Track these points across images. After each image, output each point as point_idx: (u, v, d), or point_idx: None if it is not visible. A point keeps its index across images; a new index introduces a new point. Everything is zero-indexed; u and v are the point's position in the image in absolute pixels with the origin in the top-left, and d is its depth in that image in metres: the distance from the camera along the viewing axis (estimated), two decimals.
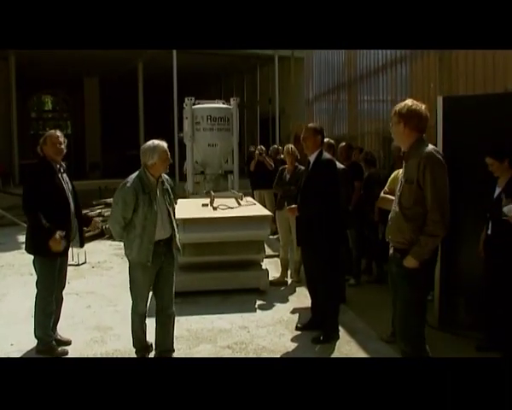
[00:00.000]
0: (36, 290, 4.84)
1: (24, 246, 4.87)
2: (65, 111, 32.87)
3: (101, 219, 11.05)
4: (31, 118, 32.71)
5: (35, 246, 4.75)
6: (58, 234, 4.62)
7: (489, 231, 4.70)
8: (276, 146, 11.88)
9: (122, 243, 4.56)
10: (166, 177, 4.65)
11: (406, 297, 3.79)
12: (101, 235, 10.61)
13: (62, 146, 4.85)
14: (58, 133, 4.88)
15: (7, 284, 7.38)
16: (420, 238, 3.56)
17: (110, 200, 12.25)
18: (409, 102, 3.68)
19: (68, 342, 5.07)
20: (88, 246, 9.48)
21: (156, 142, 4.43)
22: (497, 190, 4.67)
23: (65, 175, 4.95)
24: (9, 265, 8.33)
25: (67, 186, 4.92)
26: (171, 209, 4.57)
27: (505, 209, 4.37)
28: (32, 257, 4.83)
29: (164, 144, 4.46)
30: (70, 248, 5.19)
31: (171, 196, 4.64)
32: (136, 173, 4.43)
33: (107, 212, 11.50)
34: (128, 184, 4.35)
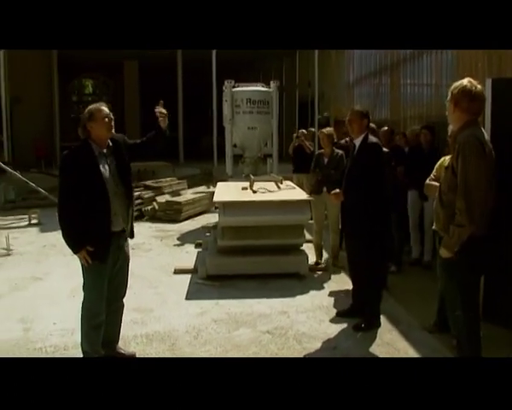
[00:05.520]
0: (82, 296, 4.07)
1: None
2: (105, 94, 33.37)
3: (139, 201, 11.19)
4: (72, 101, 33.38)
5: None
6: (85, 250, 3.88)
7: None
8: (312, 129, 11.73)
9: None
10: None
11: (446, 287, 3.75)
12: (140, 217, 10.72)
13: (112, 122, 4.03)
14: (104, 106, 4.04)
15: (50, 263, 7.52)
16: (450, 227, 3.44)
17: (149, 182, 12.46)
18: (465, 81, 3.52)
19: (132, 356, 4.35)
20: None
21: None
22: None
23: (111, 158, 4.04)
24: (52, 245, 8.48)
25: (113, 172, 4.00)
26: None
27: None
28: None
29: None
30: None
31: None
32: None
33: (146, 194, 11.62)
34: None
